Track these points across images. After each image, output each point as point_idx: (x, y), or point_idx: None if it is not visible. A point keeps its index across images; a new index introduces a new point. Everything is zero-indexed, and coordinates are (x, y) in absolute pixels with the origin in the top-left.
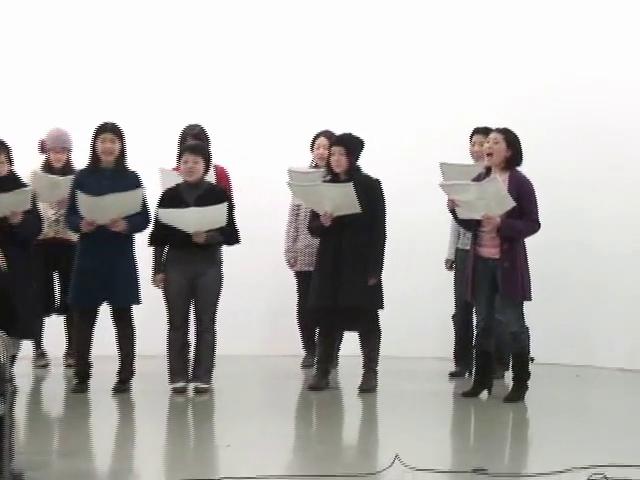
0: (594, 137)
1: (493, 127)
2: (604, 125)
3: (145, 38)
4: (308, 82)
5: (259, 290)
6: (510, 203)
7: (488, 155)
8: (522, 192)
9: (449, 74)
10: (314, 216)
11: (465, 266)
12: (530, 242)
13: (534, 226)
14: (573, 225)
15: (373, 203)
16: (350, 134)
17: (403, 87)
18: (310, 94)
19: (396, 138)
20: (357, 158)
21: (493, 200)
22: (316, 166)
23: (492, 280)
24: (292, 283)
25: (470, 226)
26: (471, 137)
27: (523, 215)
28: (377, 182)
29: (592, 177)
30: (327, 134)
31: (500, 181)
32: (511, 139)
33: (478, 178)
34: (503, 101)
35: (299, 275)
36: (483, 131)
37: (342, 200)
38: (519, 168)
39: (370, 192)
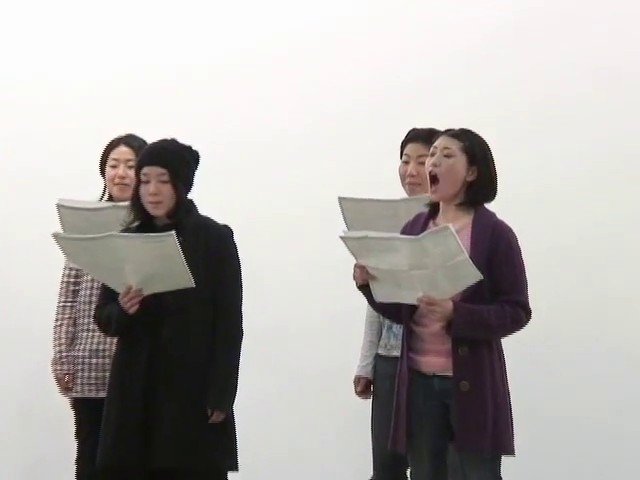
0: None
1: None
2: None
3: None
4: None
5: (9, 430)
6: (473, 275)
7: (432, 180)
8: (498, 252)
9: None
10: (107, 295)
11: (391, 388)
12: (509, 341)
13: (519, 315)
14: (584, 312)
15: (219, 270)
16: (174, 141)
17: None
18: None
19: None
20: (189, 186)
21: (440, 269)
22: (110, 198)
23: (441, 416)
24: (67, 418)
25: (399, 316)
26: (402, 147)
27: (497, 294)
28: (226, 230)
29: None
30: (131, 141)
31: (454, 234)
32: (476, 149)
33: (413, 226)
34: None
35: (80, 405)
36: (424, 138)
37: (159, 265)
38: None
39: (215, 249)
